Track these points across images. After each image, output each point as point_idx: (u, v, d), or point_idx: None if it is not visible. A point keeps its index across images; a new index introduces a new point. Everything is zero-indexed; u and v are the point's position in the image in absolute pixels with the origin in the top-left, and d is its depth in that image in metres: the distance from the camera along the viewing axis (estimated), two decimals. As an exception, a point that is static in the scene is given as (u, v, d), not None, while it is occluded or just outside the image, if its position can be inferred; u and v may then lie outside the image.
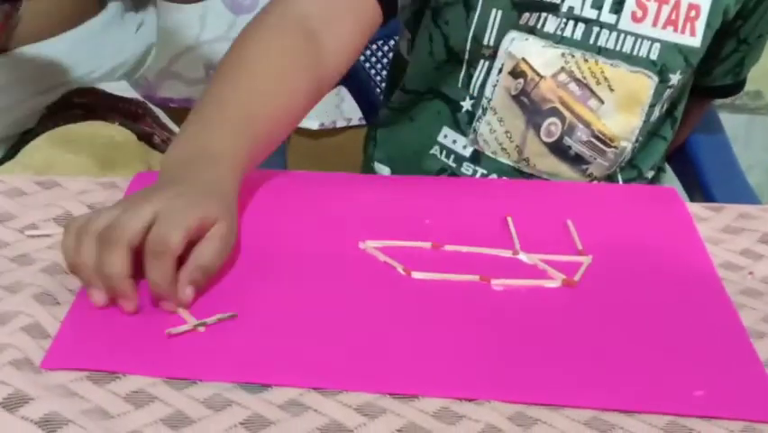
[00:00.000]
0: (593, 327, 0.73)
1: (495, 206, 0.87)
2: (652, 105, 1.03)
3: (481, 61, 1.02)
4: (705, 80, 1.11)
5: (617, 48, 1.00)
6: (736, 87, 1.14)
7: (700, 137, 1.24)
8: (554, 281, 0.78)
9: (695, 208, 0.90)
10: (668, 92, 1.04)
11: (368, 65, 1.38)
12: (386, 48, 1.37)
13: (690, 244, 0.84)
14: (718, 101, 1.26)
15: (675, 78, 1.02)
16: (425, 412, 0.64)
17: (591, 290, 0.77)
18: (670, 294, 0.77)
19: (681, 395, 0.67)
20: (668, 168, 1.21)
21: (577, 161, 1.04)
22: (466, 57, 1.03)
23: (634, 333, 0.73)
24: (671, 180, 1.20)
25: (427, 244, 0.81)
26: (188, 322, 0.70)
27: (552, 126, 1.02)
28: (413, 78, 1.08)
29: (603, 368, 0.69)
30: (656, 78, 1.01)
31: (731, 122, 1.47)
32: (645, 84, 1.02)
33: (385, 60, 1.37)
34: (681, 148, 1.23)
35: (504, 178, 1.04)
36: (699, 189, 1.20)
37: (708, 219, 0.89)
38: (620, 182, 1.08)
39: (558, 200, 0.90)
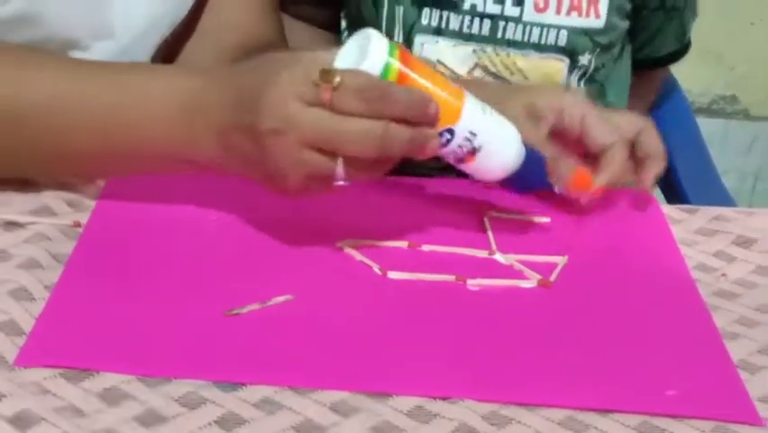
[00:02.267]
0: (568, 327, 0.73)
1: (472, 206, 0.87)
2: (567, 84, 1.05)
3: None
4: (649, 52, 1.13)
5: (525, 39, 1.02)
6: (684, 49, 1.15)
7: (676, 140, 1.24)
8: (530, 282, 0.78)
9: (669, 210, 0.90)
10: (579, 71, 1.05)
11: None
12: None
13: (664, 246, 0.85)
14: (695, 106, 1.26)
15: (585, 59, 1.04)
16: (399, 411, 0.64)
17: (567, 291, 0.77)
18: (644, 295, 0.78)
19: (654, 395, 0.67)
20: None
21: None
22: None
23: (608, 333, 0.73)
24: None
25: (404, 244, 0.82)
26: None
27: None
28: None
29: (577, 368, 0.69)
30: (567, 60, 1.03)
31: (707, 126, 1.48)
32: (558, 67, 1.04)
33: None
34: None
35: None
36: (674, 192, 1.20)
37: (682, 221, 0.89)
38: None
39: (534, 201, 0.90)
